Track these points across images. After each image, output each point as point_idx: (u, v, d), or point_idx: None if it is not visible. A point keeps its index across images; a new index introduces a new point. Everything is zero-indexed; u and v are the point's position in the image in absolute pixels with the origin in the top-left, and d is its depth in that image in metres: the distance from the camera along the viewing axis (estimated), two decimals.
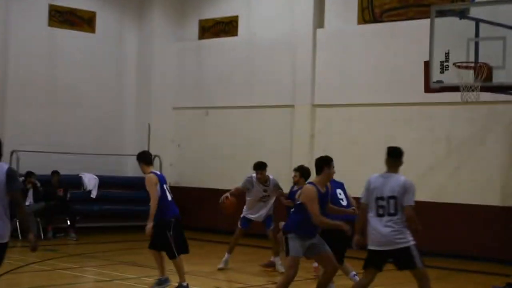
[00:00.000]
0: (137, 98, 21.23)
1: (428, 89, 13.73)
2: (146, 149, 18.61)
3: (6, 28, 18.20)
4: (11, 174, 7.82)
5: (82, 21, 19.84)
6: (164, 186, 10.60)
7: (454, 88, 13.08)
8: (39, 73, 18.93)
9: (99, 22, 20.15)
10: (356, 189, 11.66)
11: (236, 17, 20.00)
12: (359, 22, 17.88)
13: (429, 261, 10.89)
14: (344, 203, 10.31)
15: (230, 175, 17.89)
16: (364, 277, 8.91)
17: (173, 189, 16.40)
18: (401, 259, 8.56)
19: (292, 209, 10.07)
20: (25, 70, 18.59)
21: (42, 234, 17.03)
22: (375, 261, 8.68)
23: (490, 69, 12.76)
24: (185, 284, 10.41)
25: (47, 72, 19.06)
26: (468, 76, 12.83)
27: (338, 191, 10.46)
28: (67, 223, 17.72)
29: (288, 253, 8.96)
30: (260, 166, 13.15)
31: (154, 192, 10.21)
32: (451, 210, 16.05)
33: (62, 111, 19.35)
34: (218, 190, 15.41)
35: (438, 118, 16.26)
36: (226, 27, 20.35)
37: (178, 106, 21.18)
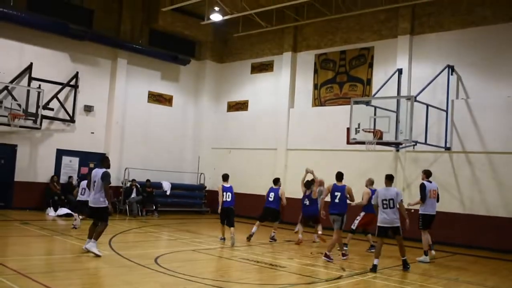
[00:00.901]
0: (194, 141, 23.67)
1: (348, 142, 16.07)
2: (196, 171, 23.37)
3: (125, 104, 21.26)
4: (105, 174, 10.01)
5: (165, 100, 22.89)
6: (226, 192, 13.37)
7: (362, 142, 15.49)
8: (143, 128, 21.92)
9: (175, 101, 23.21)
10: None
11: (247, 100, 22.88)
12: (313, 106, 20.33)
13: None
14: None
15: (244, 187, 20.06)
16: (379, 242, 10.59)
17: (208, 191, 20.03)
18: (395, 231, 10.62)
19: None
20: (135, 126, 21.57)
21: (140, 213, 19.60)
22: (383, 233, 10.65)
23: (381, 133, 15.23)
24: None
25: (147, 127, 22.03)
26: (369, 137, 15.31)
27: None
28: (153, 208, 20.15)
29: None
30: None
31: (220, 194, 13.24)
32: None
33: (153, 148, 22.06)
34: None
35: (354, 158, 18.03)
36: (242, 105, 23.06)
37: (215, 147, 23.52)
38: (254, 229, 14.30)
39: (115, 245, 11.70)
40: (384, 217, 10.46)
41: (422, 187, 12.56)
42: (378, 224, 10.57)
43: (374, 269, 10.25)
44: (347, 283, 9.16)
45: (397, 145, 16.67)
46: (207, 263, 10.94)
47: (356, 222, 13.09)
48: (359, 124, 15.62)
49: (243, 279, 8.91)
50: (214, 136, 23.80)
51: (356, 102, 16.14)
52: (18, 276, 7.75)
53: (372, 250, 12.76)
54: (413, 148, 16.73)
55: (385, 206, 10.52)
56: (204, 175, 23.29)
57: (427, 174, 12.93)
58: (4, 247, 11.38)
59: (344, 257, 11.73)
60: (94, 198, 10.12)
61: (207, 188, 23.19)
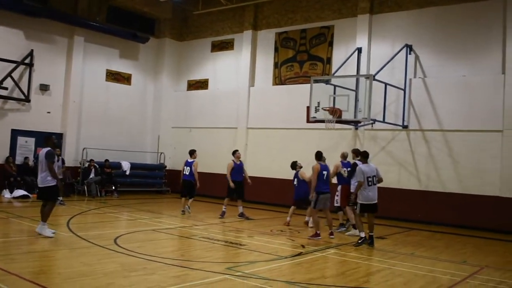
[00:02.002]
0: (153, 121, 23.52)
1: (308, 121, 16.03)
2: (156, 150, 23.16)
3: (83, 83, 20.84)
4: (48, 153, 9.79)
5: (124, 78, 22.52)
6: (186, 166, 14.72)
7: (322, 121, 15.50)
8: (101, 107, 21.59)
9: (134, 80, 22.92)
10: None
11: (207, 79, 22.75)
12: (273, 84, 20.38)
13: None
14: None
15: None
16: (359, 218, 11.04)
17: (169, 171, 19.85)
18: (374, 207, 10.86)
19: None
20: (93, 105, 21.23)
21: (99, 193, 19.35)
22: (365, 210, 10.90)
23: (341, 111, 15.28)
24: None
25: (105, 107, 21.71)
26: (329, 115, 15.37)
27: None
28: (112, 188, 20.12)
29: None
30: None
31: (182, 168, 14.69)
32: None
33: (112, 127, 21.76)
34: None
35: (312, 137, 18.22)
36: (202, 84, 22.93)
37: (175, 126, 23.45)
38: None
39: (73, 227, 11.61)
40: (368, 194, 10.66)
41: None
42: (362, 201, 10.72)
43: (371, 242, 10.77)
44: (306, 259, 9.29)
45: (356, 123, 16.86)
46: (167, 242, 10.93)
47: (338, 198, 13.07)
48: (318, 103, 15.69)
49: (204, 258, 8.94)
50: (174, 115, 23.71)
51: (316, 81, 16.23)
52: None
53: (341, 230, 12.84)
54: (372, 126, 16.97)
55: (370, 183, 10.70)
56: (164, 155, 23.16)
57: (356, 153, 12.52)
58: None
59: (332, 236, 11.75)
60: (41, 177, 9.96)
61: (167, 168, 23.04)
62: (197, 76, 23.24)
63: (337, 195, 13.09)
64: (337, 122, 15.64)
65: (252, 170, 17.92)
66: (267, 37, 20.81)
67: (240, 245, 10.46)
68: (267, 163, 19.64)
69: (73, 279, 6.84)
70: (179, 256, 9.17)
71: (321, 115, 15.69)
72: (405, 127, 16.80)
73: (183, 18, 23.64)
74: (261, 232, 12.44)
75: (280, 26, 20.44)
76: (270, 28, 20.71)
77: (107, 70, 21.98)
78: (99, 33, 21.02)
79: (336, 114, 15.37)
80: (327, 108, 15.47)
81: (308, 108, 15.98)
